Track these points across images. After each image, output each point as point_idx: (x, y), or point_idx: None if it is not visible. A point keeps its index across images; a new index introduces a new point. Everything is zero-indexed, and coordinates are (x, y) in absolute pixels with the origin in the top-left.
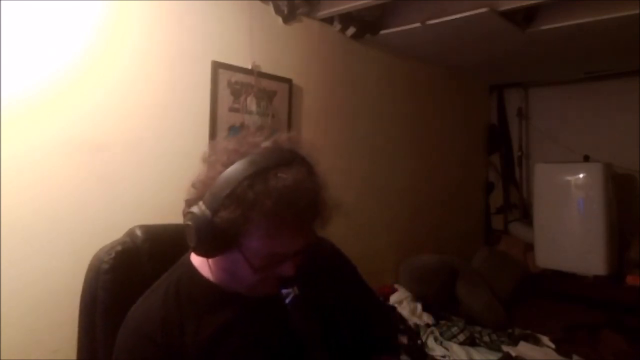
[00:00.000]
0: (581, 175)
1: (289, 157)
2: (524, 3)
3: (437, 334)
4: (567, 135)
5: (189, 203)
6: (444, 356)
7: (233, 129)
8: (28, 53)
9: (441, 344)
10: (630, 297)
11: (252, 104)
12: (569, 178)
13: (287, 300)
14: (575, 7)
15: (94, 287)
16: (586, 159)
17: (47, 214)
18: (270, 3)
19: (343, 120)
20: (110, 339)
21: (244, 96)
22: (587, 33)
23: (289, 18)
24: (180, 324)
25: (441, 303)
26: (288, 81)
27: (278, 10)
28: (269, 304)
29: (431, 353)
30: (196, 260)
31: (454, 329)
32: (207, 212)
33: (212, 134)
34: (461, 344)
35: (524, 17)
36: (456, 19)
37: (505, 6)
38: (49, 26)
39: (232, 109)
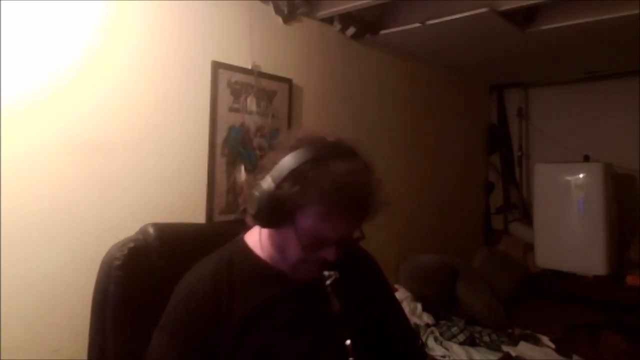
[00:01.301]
0: (581, 175)
1: (350, 152)
2: (524, 3)
3: (437, 334)
4: (567, 135)
5: (256, 180)
6: (444, 356)
7: (233, 129)
8: (28, 53)
9: (441, 344)
10: (630, 297)
11: (252, 104)
12: (569, 178)
13: (327, 282)
14: (575, 7)
15: (105, 283)
16: (586, 159)
17: (47, 214)
18: (270, 3)
19: (343, 120)
20: (121, 333)
21: (244, 96)
22: (587, 33)
23: (289, 18)
24: (230, 291)
25: (441, 303)
26: (288, 81)
27: (278, 10)
28: (311, 289)
29: (431, 353)
30: (250, 240)
31: (454, 329)
32: (272, 185)
33: (212, 134)
34: (461, 344)
35: (524, 17)
36: (456, 19)
37: (505, 6)
38: (49, 26)
39: (232, 109)
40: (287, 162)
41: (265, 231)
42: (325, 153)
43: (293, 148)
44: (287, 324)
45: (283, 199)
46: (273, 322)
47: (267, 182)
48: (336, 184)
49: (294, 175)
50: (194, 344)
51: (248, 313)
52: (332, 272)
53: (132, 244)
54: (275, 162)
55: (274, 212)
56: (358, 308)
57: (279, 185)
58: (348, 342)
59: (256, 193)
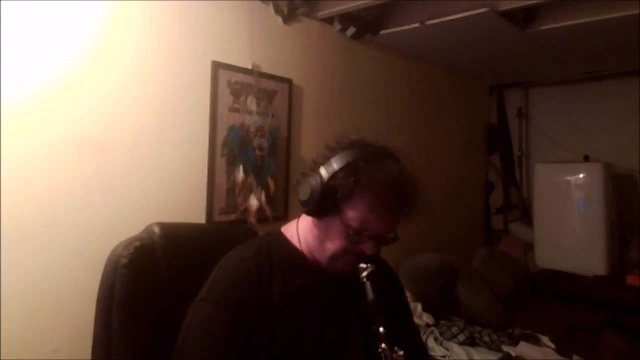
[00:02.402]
0: (581, 175)
1: (396, 155)
2: (524, 3)
3: (437, 334)
4: (567, 135)
5: (307, 173)
6: (444, 356)
7: (233, 129)
8: (28, 53)
9: (441, 344)
10: (630, 297)
11: (252, 104)
12: (569, 178)
13: (364, 273)
14: (575, 7)
15: (111, 281)
16: (586, 159)
17: (47, 214)
18: (270, 3)
19: (343, 120)
20: (126, 330)
21: (244, 96)
22: (587, 33)
23: (288, 18)
24: (270, 274)
25: (441, 303)
26: (288, 81)
27: (278, 10)
28: (344, 282)
29: (431, 353)
30: (287, 231)
31: (454, 329)
32: (325, 175)
33: (212, 134)
34: (461, 344)
35: (524, 17)
36: (456, 19)
37: (505, 6)
38: (49, 26)
39: (232, 109)
40: (343, 156)
41: (306, 223)
42: (377, 153)
43: (347, 147)
44: (320, 312)
45: (336, 188)
46: (307, 309)
47: (321, 172)
48: (389, 179)
49: (349, 167)
50: (238, 317)
51: (285, 298)
52: (369, 265)
53: (138, 243)
54: (328, 158)
55: (324, 200)
56: (386, 303)
57: (333, 175)
58: (382, 329)
59: (308, 181)
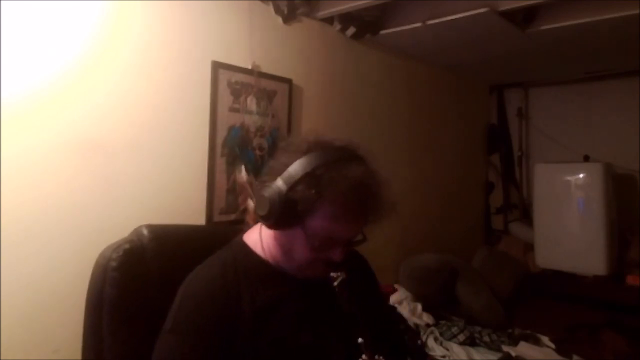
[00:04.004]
0: (581, 175)
1: (359, 156)
2: (524, 3)
3: (437, 334)
4: (567, 135)
5: (264, 181)
6: (444, 356)
7: (233, 129)
8: (28, 53)
9: (441, 344)
10: (630, 297)
11: (252, 104)
12: (569, 178)
13: (335, 283)
14: (575, 7)
15: (100, 285)
16: (586, 159)
17: (47, 214)
18: (270, 3)
19: (343, 120)
20: (117, 335)
21: (244, 96)
22: (587, 33)
23: (288, 18)
24: (237, 292)
25: (441, 303)
26: (288, 81)
27: (278, 10)
28: (317, 286)
29: (431, 353)
30: (250, 240)
31: (454, 329)
32: (284, 187)
33: (212, 134)
34: (461, 344)
35: (524, 17)
36: (456, 19)
37: (505, 6)
38: (49, 26)
39: (232, 109)
40: (300, 165)
41: (268, 232)
42: (337, 157)
43: (305, 152)
44: (295, 321)
45: (296, 201)
46: (282, 319)
47: (278, 184)
48: (351, 186)
49: (309, 178)
50: (209, 344)
51: (257, 311)
52: (339, 274)
53: (127, 246)
54: (286, 165)
55: (285, 214)
56: (363, 308)
57: (292, 187)
58: (360, 340)
59: (266, 194)
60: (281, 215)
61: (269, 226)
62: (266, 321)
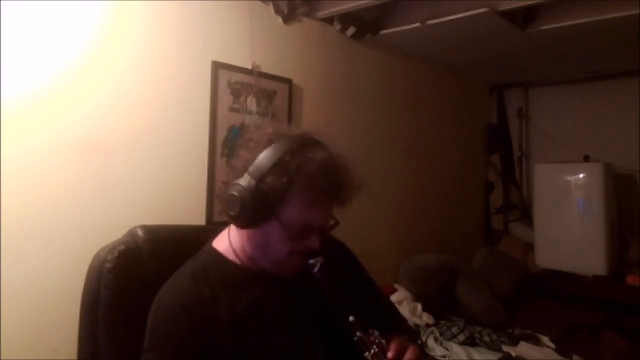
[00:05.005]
0: (581, 175)
1: (319, 141)
2: (524, 3)
3: (437, 334)
4: (567, 135)
5: (230, 181)
6: (444, 356)
7: (233, 129)
8: (28, 53)
9: (441, 344)
10: (630, 297)
11: (252, 104)
12: (569, 178)
13: (315, 269)
14: (575, 7)
15: (96, 286)
16: (586, 159)
17: (47, 214)
18: (270, 3)
19: (343, 120)
20: (113, 336)
21: (244, 96)
22: (587, 33)
23: (288, 18)
24: (213, 299)
25: (441, 303)
26: (288, 81)
27: (278, 10)
28: (296, 282)
29: (431, 353)
30: (220, 246)
31: (454, 329)
32: (252, 182)
33: (212, 134)
34: (461, 344)
35: (524, 17)
36: (456, 19)
37: (505, 6)
38: (48, 26)
39: (232, 109)
40: (266, 156)
41: (239, 234)
42: (300, 143)
43: (267, 144)
44: (276, 322)
45: (267, 194)
46: (261, 322)
47: (246, 180)
48: (321, 169)
49: (277, 167)
50: (184, 356)
51: (235, 317)
52: (317, 259)
53: (122, 247)
54: (250, 160)
55: (258, 208)
56: (346, 290)
57: (261, 180)
58: (351, 318)
59: (236, 193)
60: (254, 210)
61: (243, 225)
62: (246, 326)
